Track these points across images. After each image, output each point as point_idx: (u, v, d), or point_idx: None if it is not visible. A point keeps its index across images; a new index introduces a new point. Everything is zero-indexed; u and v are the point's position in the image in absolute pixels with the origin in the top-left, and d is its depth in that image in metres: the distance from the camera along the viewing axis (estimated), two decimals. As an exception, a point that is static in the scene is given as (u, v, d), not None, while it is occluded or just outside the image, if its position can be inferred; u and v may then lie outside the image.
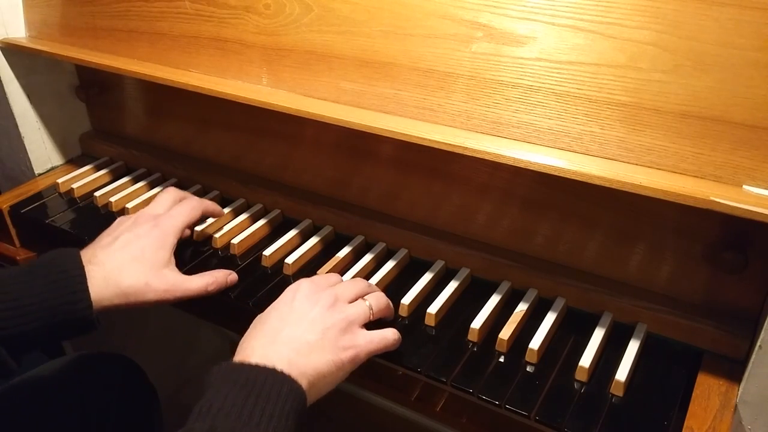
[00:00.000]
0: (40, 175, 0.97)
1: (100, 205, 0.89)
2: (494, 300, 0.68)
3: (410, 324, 0.67)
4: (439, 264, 0.74)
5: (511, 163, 0.56)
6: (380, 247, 0.78)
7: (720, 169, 0.52)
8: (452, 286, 0.70)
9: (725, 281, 0.61)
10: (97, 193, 0.90)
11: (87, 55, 0.83)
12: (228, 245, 0.78)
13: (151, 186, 0.92)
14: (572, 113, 0.56)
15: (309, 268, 0.76)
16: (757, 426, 0.55)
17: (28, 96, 0.93)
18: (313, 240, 0.79)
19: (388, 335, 0.59)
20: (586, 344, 0.62)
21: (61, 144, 1.00)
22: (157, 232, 0.67)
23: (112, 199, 0.88)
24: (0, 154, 0.98)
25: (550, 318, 0.65)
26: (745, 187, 0.51)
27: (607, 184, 0.52)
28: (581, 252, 0.68)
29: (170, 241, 0.68)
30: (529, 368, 0.61)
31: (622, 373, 0.58)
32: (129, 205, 0.86)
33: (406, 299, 0.68)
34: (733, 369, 0.59)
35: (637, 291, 0.65)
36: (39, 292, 0.59)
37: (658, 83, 0.53)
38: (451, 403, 0.63)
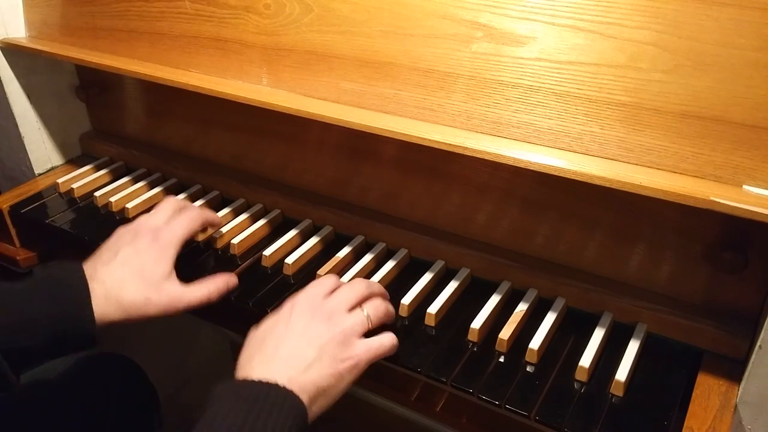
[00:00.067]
0: (40, 175, 0.98)
1: (100, 205, 0.89)
2: (494, 300, 0.68)
3: (410, 324, 0.67)
4: (439, 264, 0.74)
5: (511, 163, 0.56)
6: (380, 247, 0.78)
7: (720, 169, 0.52)
8: (452, 286, 0.70)
9: (725, 281, 0.61)
10: (97, 193, 0.90)
11: (87, 55, 0.83)
12: (228, 245, 0.78)
13: (151, 186, 0.92)
14: (572, 113, 0.56)
15: (309, 268, 0.76)
16: (757, 426, 0.55)
17: (28, 96, 0.93)
18: (313, 240, 0.79)
19: (385, 342, 0.59)
20: (586, 344, 0.62)
21: (61, 144, 1.00)
22: (157, 246, 0.67)
23: (112, 199, 0.88)
24: (0, 154, 0.98)
25: (550, 318, 0.65)
26: (745, 187, 0.51)
27: (607, 184, 0.52)
28: (581, 252, 0.68)
29: (170, 254, 0.67)
30: (529, 368, 0.61)
31: (622, 373, 0.58)
32: (129, 205, 0.86)
33: (406, 299, 0.68)
34: (733, 369, 0.59)
35: (637, 291, 0.65)
36: (43, 308, 0.59)
37: (658, 83, 0.53)
38: (451, 403, 0.63)
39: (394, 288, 0.71)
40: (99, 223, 0.85)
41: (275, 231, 0.83)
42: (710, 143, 0.52)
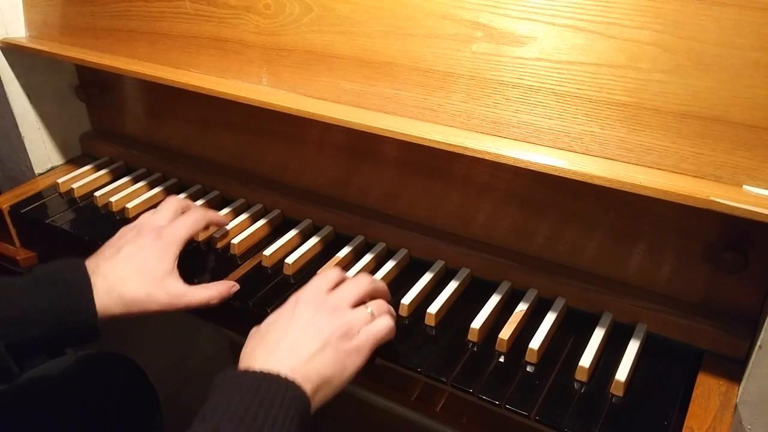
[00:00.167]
0: (40, 175, 0.98)
1: (100, 205, 0.89)
2: (494, 300, 0.68)
3: (410, 324, 0.67)
4: (439, 264, 0.74)
5: (511, 163, 0.56)
6: (380, 247, 0.78)
7: (720, 169, 0.52)
8: (452, 286, 0.70)
9: (725, 281, 0.61)
10: (97, 193, 0.90)
11: (87, 55, 0.83)
12: (228, 245, 0.78)
13: (151, 186, 0.92)
14: (572, 113, 0.56)
15: (309, 268, 0.76)
16: (757, 426, 0.55)
17: (28, 96, 0.93)
18: (313, 240, 0.79)
19: (382, 326, 0.59)
20: (586, 344, 0.62)
21: (61, 144, 1.00)
22: (160, 244, 0.68)
23: (112, 199, 0.88)
24: (0, 154, 0.98)
25: (550, 318, 0.65)
26: (745, 187, 0.51)
27: (607, 184, 0.52)
28: (581, 252, 0.68)
29: (173, 252, 0.68)
30: (529, 368, 0.61)
31: (622, 373, 0.58)
32: (129, 205, 0.86)
33: (406, 299, 0.68)
34: (733, 369, 0.59)
35: (637, 291, 0.65)
36: (45, 302, 0.60)
37: (658, 83, 0.53)
38: (451, 403, 0.63)
39: (394, 288, 0.71)
40: (99, 223, 0.85)
41: (275, 231, 0.83)
42: (710, 143, 0.52)
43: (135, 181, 0.93)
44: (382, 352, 0.61)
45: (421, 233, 0.76)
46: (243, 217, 0.84)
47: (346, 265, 0.75)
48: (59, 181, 0.93)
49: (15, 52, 0.89)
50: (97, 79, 0.97)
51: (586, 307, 0.67)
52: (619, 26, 0.53)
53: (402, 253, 0.76)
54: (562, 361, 0.62)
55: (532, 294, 0.69)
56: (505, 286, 0.70)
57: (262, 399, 0.49)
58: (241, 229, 0.81)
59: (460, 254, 0.73)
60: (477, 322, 0.64)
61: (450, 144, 0.58)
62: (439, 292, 0.69)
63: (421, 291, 0.70)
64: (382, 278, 0.72)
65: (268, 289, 0.72)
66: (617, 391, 0.58)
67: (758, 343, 0.53)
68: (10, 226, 0.89)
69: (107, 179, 0.95)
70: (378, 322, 0.59)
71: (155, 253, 0.67)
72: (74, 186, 0.91)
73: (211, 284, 0.69)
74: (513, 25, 0.58)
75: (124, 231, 0.71)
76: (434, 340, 0.65)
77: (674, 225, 0.61)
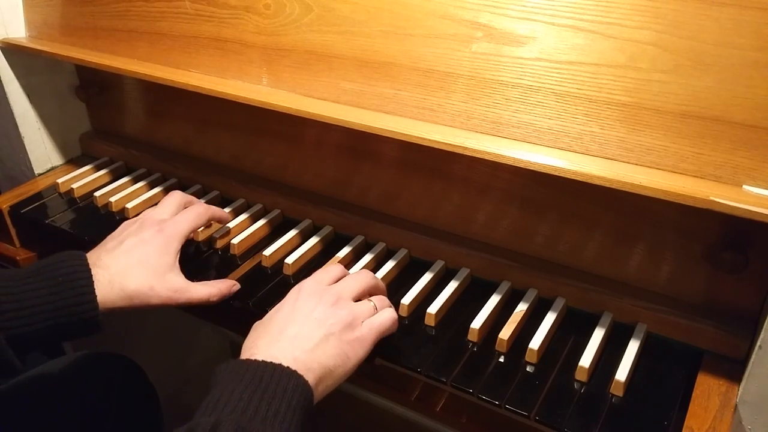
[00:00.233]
0: (40, 175, 0.98)
1: (100, 205, 0.89)
2: (494, 300, 0.68)
3: (410, 324, 0.67)
4: (439, 264, 0.74)
5: (511, 163, 0.56)
6: (380, 247, 0.78)
7: (720, 169, 0.52)
8: (452, 286, 0.70)
9: (725, 281, 0.61)
10: (97, 193, 0.90)
11: (87, 55, 0.83)
12: (228, 245, 0.78)
13: (151, 186, 0.92)
14: (572, 113, 0.56)
15: (309, 268, 0.75)
16: (757, 426, 0.55)
17: (28, 96, 0.93)
18: (313, 240, 0.79)
19: (386, 318, 0.59)
20: (586, 344, 0.62)
21: (61, 144, 1.00)
22: (162, 237, 0.68)
23: (112, 199, 0.88)
24: (0, 154, 0.98)
25: (550, 318, 0.65)
26: (745, 187, 0.51)
27: (607, 184, 0.52)
28: (581, 252, 0.68)
29: (174, 247, 0.68)
30: (529, 368, 0.61)
31: (622, 373, 0.58)
32: (129, 205, 0.86)
33: (406, 299, 0.68)
34: (733, 369, 0.59)
35: (637, 291, 0.65)
36: (46, 293, 0.60)
37: (658, 83, 0.53)
38: (451, 403, 0.63)
39: (394, 288, 0.71)
40: (99, 223, 0.85)
41: (275, 231, 0.83)
42: (710, 143, 0.52)
43: (135, 181, 0.93)
44: (382, 351, 0.61)
45: (421, 233, 0.76)
46: (243, 217, 0.84)
47: (346, 265, 0.75)
48: (59, 181, 0.93)
49: (15, 52, 0.89)
50: (97, 79, 0.97)
51: (586, 307, 0.67)
52: (619, 26, 0.53)
53: (402, 253, 0.76)
54: (562, 361, 0.62)
55: (532, 294, 0.69)
56: (505, 286, 0.70)
57: (264, 389, 0.49)
58: (241, 229, 0.81)
59: (460, 254, 0.73)
60: (477, 322, 0.64)
61: (450, 144, 0.58)
62: (439, 292, 0.69)
63: (421, 291, 0.70)
64: (382, 278, 0.72)
65: (268, 289, 0.72)
66: (617, 391, 0.58)
67: (758, 343, 0.53)
68: (10, 226, 0.89)
69: (107, 179, 0.95)
70: (382, 314, 0.59)
71: (157, 247, 0.67)
72: (74, 186, 0.91)
73: (213, 282, 0.69)
74: (513, 25, 0.58)
75: (127, 224, 0.71)
76: (434, 340, 0.65)
77: (674, 225, 0.61)
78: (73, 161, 1.01)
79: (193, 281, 0.68)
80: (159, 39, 0.80)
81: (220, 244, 0.80)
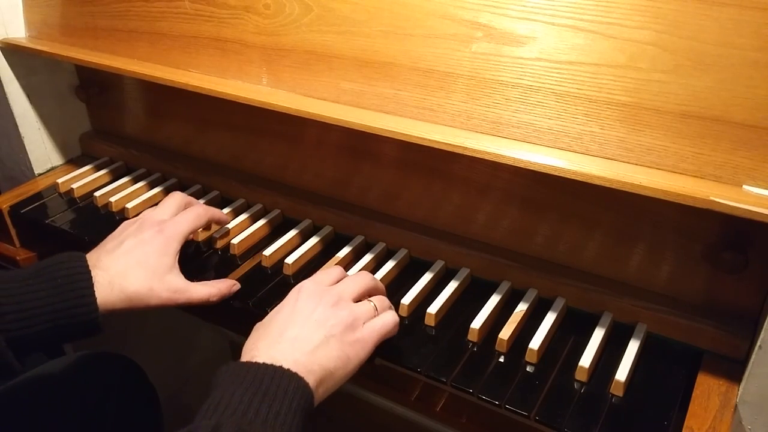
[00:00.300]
0: (40, 175, 0.98)
1: (100, 205, 0.89)
2: (494, 300, 0.68)
3: (410, 324, 0.67)
4: (439, 264, 0.74)
5: (511, 163, 0.56)
6: (380, 247, 0.78)
7: (720, 169, 0.52)
8: (452, 286, 0.70)
9: (725, 281, 0.61)
10: (97, 193, 0.90)
11: (87, 55, 0.83)
12: (228, 245, 0.78)
13: (151, 186, 0.92)
14: (572, 113, 0.56)
15: (309, 268, 0.76)
16: (757, 426, 0.55)
17: (28, 96, 0.93)
18: (313, 240, 0.79)
19: (388, 320, 0.59)
20: (586, 344, 0.62)
21: (61, 144, 1.00)
22: (162, 238, 0.68)
23: (112, 199, 0.88)
24: (0, 154, 0.98)
25: (550, 318, 0.65)
26: (745, 187, 0.51)
27: (607, 184, 0.52)
28: (581, 252, 0.68)
29: (174, 247, 0.68)
30: (529, 368, 0.61)
31: (622, 373, 0.58)
32: (129, 205, 0.86)
33: (406, 299, 0.68)
34: (733, 369, 0.59)
35: (637, 291, 0.65)
36: (46, 295, 0.60)
37: (658, 83, 0.53)
38: (451, 403, 0.63)
39: (394, 288, 0.71)
40: (99, 224, 0.85)
41: (275, 231, 0.83)
42: (710, 143, 0.52)
43: (135, 181, 0.93)
44: (382, 352, 0.61)
45: (421, 233, 0.76)
46: (243, 217, 0.84)
47: (346, 265, 0.75)
48: (59, 181, 0.93)
49: (15, 53, 0.89)
50: (97, 79, 0.97)
51: (586, 307, 0.67)
52: (619, 26, 0.53)
53: (402, 253, 0.76)
54: (562, 361, 0.62)
55: (532, 294, 0.69)
56: (505, 286, 0.70)
57: (265, 392, 0.49)
58: (241, 229, 0.81)
59: (460, 254, 0.73)
60: (477, 322, 0.64)
61: (450, 144, 0.58)
62: (439, 292, 0.69)
63: (421, 291, 0.70)
64: (382, 278, 0.72)
65: (267, 289, 0.72)
66: (617, 391, 0.58)
67: (758, 343, 0.53)
68: (10, 226, 0.89)
69: (107, 179, 0.95)
70: (384, 316, 0.59)
71: (156, 247, 0.67)
72: (74, 186, 0.91)
73: (212, 282, 0.69)
74: (513, 25, 0.58)
75: (126, 225, 0.71)
76: (434, 340, 0.65)
77: (674, 225, 0.61)
78: (73, 161, 1.01)
79: (193, 281, 0.68)
80: (159, 39, 0.80)
81: (220, 244, 0.80)
